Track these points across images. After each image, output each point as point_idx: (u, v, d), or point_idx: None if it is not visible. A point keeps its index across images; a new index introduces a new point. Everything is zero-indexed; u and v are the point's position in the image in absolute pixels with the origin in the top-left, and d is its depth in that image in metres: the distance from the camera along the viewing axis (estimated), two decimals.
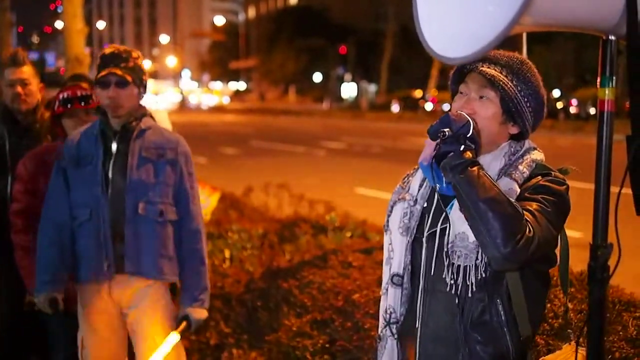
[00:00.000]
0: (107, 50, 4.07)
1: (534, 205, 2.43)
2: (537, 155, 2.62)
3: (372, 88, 79.11)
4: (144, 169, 4.06)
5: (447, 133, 2.40)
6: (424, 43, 2.30)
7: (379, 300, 4.50)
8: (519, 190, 2.50)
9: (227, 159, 23.59)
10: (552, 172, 2.56)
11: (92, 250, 4.04)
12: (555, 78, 43.48)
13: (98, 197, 4.02)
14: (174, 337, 4.09)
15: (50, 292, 4.08)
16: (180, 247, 4.18)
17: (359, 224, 7.17)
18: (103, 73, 3.97)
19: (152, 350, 4.05)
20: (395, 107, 60.26)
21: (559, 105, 42.29)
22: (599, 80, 2.47)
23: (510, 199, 2.40)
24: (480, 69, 2.58)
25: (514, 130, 2.63)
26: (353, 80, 79.60)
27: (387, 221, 2.79)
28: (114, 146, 4.08)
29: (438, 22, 2.30)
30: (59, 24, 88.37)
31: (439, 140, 2.41)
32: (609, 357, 3.47)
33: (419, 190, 2.71)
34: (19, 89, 4.90)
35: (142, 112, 4.17)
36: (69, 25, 11.63)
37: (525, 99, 2.58)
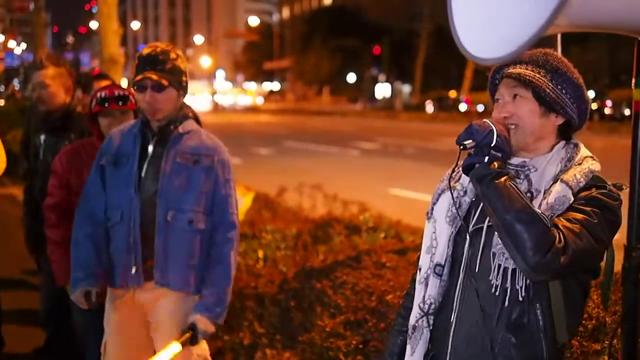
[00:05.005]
0: (145, 50, 3.93)
1: (579, 216, 2.39)
2: (595, 166, 2.57)
3: (406, 88, 78.95)
4: (177, 175, 3.93)
5: (467, 146, 2.40)
6: (458, 44, 2.30)
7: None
8: (572, 198, 2.46)
9: (260, 159, 23.64)
10: (607, 186, 2.52)
11: (122, 254, 3.96)
12: (589, 79, 42.99)
13: (131, 199, 3.91)
14: (175, 347, 3.75)
15: (84, 288, 3.98)
16: (208, 255, 4.02)
17: (392, 225, 7.15)
18: (139, 77, 3.84)
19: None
20: (429, 108, 60.13)
21: (594, 106, 41.76)
22: (633, 81, 2.46)
23: (552, 210, 2.40)
24: (507, 72, 2.59)
25: (559, 120, 2.59)
26: (387, 80, 79.49)
27: (432, 209, 2.77)
28: (150, 148, 3.97)
29: (473, 23, 2.30)
30: (93, 25, 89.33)
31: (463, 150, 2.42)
32: None
33: (469, 182, 2.64)
34: (36, 92, 5.12)
35: (184, 115, 4.06)
36: (104, 26, 11.81)
37: (559, 87, 2.55)
